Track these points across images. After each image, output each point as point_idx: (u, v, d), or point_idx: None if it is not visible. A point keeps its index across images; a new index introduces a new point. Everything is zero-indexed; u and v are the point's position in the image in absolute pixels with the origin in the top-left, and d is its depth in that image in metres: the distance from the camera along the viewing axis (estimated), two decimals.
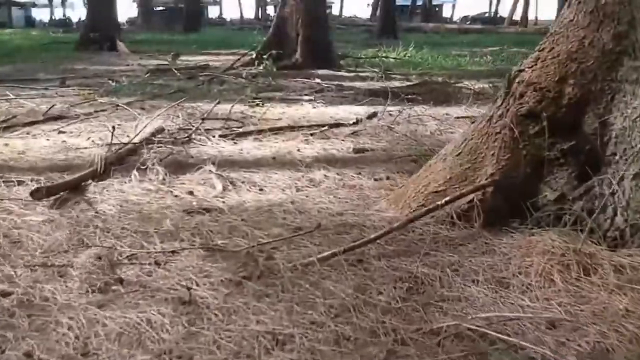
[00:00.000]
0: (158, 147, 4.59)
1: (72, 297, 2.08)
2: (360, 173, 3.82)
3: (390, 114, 6.05)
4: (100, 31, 17.46)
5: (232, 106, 6.34)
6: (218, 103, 5.80)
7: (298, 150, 4.57)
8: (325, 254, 2.24)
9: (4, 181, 3.59)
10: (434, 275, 2.13)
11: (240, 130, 5.41)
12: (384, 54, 15.08)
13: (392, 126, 5.38)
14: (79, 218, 2.95)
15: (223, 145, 4.78)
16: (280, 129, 5.32)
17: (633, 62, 2.35)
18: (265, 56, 11.39)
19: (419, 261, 2.18)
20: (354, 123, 5.64)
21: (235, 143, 4.88)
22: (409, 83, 9.63)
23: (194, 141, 4.87)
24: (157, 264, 2.37)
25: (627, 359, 1.68)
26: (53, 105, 6.62)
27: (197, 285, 2.15)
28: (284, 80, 9.94)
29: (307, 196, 3.32)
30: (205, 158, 4.36)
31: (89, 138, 5.11)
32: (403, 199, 2.76)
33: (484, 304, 1.99)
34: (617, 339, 1.76)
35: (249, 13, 58.02)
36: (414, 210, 2.63)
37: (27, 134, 5.34)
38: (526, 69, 2.51)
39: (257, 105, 6.91)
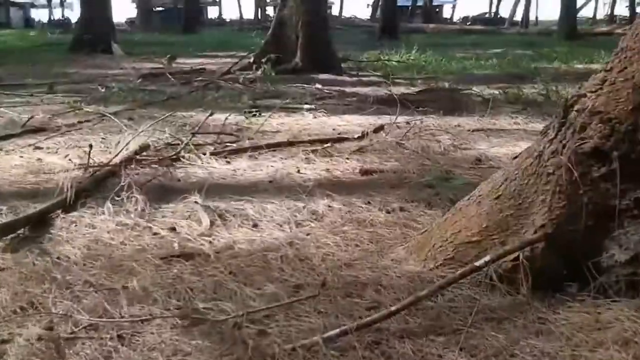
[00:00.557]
0: (141, 167, 4.10)
1: None
2: (369, 202, 3.32)
3: (398, 126, 5.55)
4: (94, 33, 16.95)
5: (227, 118, 5.84)
6: (211, 115, 5.31)
7: (298, 171, 4.08)
8: (333, 332, 1.74)
9: None
10: None
11: (235, 146, 4.92)
12: (386, 57, 14.59)
13: (402, 142, 4.88)
14: (35, 267, 2.45)
15: (215, 165, 4.28)
16: (279, 145, 4.82)
17: None
18: (263, 60, 10.89)
19: (455, 347, 1.68)
20: (359, 137, 5.15)
21: (228, 162, 4.38)
22: (414, 89, 9.14)
23: (183, 159, 4.37)
24: (120, 338, 1.87)
25: None
26: (32, 117, 6.12)
27: None
28: (283, 85, 9.46)
29: (308, 235, 2.82)
30: (194, 181, 3.87)
31: (66, 156, 4.61)
32: (427, 247, 2.26)
33: None
34: None
35: (249, 14, 57.58)
36: (440, 265, 2.14)
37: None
38: (588, 94, 2.00)
39: (254, 115, 6.41)
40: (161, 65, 13.56)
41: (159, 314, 1.99)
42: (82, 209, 3.25)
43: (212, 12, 58.74)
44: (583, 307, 1.87)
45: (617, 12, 50.31)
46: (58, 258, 2.57)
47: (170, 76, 10.11)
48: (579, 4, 29.60)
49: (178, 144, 4.79)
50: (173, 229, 2.94)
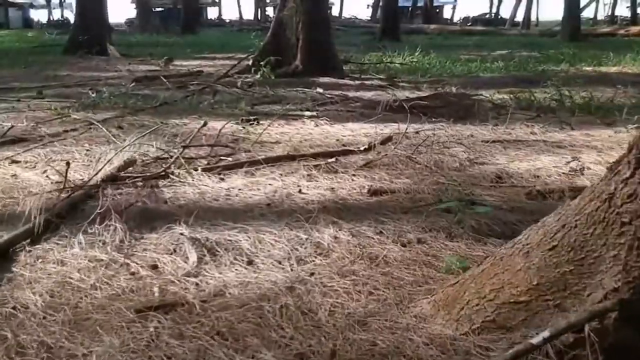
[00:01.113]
0: (125, 187, 3.69)
1: None
2: (381, 232, 2.90)
3: (407, 136, 5.13)
4: (89, 34, 16.52)
5: (223, 127, 5.42)
6: (204, 125, 4.88)
7: (300, 191, 3.66)
8: None
9: None
10: None
11: (230, 160, 4.50)
12: (389, 59, 14.18)
13: (413, 155, 4.46)
14: None
15: (207, 182, 3.86)
16: (278, 159, 4.40)
17: None
18: (262, 62, 10.47)
19: None
20: (365, 149, 4.73)
21: (222, 179, 3.96)
22: (420, 93, 8.73)
23: (172, 176, 3.95)
24: None
25: None
26: (12, 127, 5.70)
27: None
28: (283, 90, 9.05)
29: (312, 275, 2.40)
30: (183, 203, 3.45)
31: (44, 171, 4.19)
32: (459, 304, 1.84)
33: None
34: None
35: (249, 14, 57.29)
36: (478, 329, 1.73)
37: None
38: None
39: (252, 124, 5.99)
40: (157, 68, 13.19)
41: None
42: (52, 240, 2.83)
43: (212, 13, 58.51)
44: None
45: (617, 12, 50.30)
46: (14, 308, 2.15)
47: (165, 80, 9.69)
48: (581, 5, 29.24)
49: (168, 157, 4.38)
50: (155, 267, 2.52)
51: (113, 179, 3.76)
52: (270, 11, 48.57)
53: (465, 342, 1.74)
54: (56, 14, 52.75)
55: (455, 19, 55.26)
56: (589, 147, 4.98)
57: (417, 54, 14.93)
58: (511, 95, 8.21)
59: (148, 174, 3.94)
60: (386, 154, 4.51)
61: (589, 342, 1.51)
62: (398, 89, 9.20)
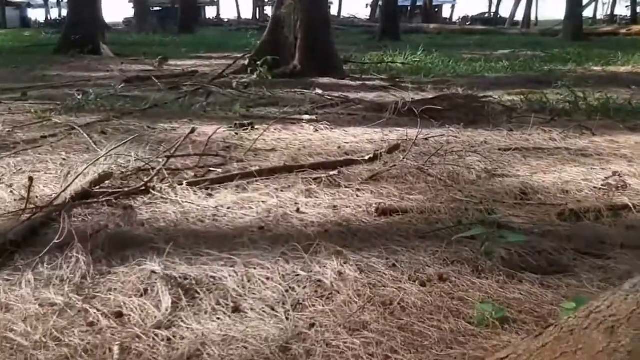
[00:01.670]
0: (98, 205, 3.22)
1: None
2: (394, 265, 2.43)
3: (416, 144, 4.66)
4: (82, 33, 16.05)
5: (214, 133, 4.95)
6: (192, 132, 4.41)
7: (297, 209, 3.19)
8: None
9: None
10: None
11: (219, 171, 4.03)
12: (390, 59, 13.72)
13: (424, 166, 3.99)
14: None
15: (192, 199, 3.39)
16: (274, 171, 3.93)
17: None
18: (259, 62, 9.99)
19: None
20: (371, 159, 4.26)
21: (209, 195, 3.49)
22: (424, 94, 8.29)
23: (153, 192, 3.48)
24: None
25: None
26: None
27: None
28: (281, 91, 8.59)
29: (312, 328, 1.94)
30: (162, 226, 2.98)
31: (10, 185, 3.72)
32: None
33: None
34: None
35: (247, 13, 56.81)
36: None
37: None
38: None
39: (246, 129, 5.52)
40: (151, 68, 12.72)
41: None
42: (1, 275, 2.36)
43: (210, 12, 58.08)
44: None
45: (616, 12, 50.23)
46: None
47: (156, 80, 9.21)
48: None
49: (150, 170, 3.91)
50: (119, 315, 2.05)
51: (84, 196, 3.30)
52: (269, 10, 48.04)
53: None
54: (54, 14, 52.39)
55: (454, 19, 54.94)
56: (617, 155, 4.52)
57: (419, 53, 14.47)
58: (522, 97, 7.76)
59: (126, 190, 3.47)
60: (394, 165, 4.04)
61: None
62: (401, 90, 8.74)
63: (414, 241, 2.72)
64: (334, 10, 50.78)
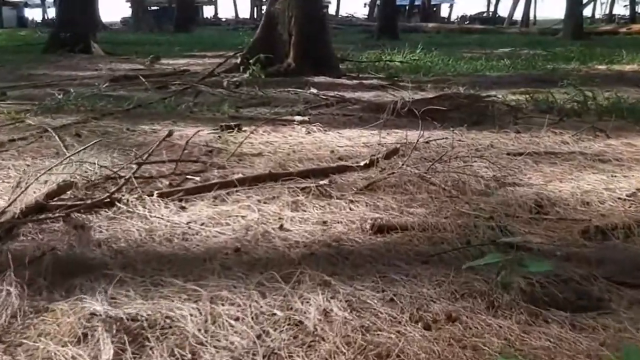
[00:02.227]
0: (52, 221, 2.80)
1: None
2: (392, 300, 2.01)
3: (417, 148, 4.25)
4: (72, 31, 15.63)
5: (194, 135, 4.52)
6: (169, 135, 3.98)
7: (281, 226, 2.77)
8: None
9: None
10: None
11: (197, 180, 3.60)
12: (388, 57, 13.29)
13: (426, 174, 3.57)
14: None
15: (162, 213, 2.97)
16: (257, 179, 3.51)
17: None
18: (251, 61, 9.56)
19: None
20: (366, 165, 3.85)
21: (182, 208, 3.07)
22: (424, 94, 7.87)
23: (119, 204, 3.06)
24: None
25: None
26: None
27: None
28: (273, 90, 8.17)
29: None
30: (122, 247, 2.56)
31: None
32: None
33: None
34: None
35: (245, 13, 56.46)
36: None
37: None
38: None
39: (232, 130, 5.10)
40: (142, 67, 12.31)
41: None
42: None
43: (208, 12, 57.72)
44: None
45: (614, 11, 50.21)
46: None
47: (143, 79, 8.78)
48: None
49: (120, 177, 3.48)
50: None
51: (38, 210, 2.88)
52: None
53: None
54: (51, 13, 52.01)
55: (452, 18, 54.66)
56: (639, 161, 4.10)
57: (418, 51, 14.05)
58: (527, 96, 7.35)
59: (88, 202, 3.05)
60: (392, 172, 3.62)
61: None
62: (400, 90, 8.33)
63: (416, 267, 2.30)
64: (332, 10, 50.45)
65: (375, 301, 1.99)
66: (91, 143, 3.83)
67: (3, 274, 2.09)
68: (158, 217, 2.91)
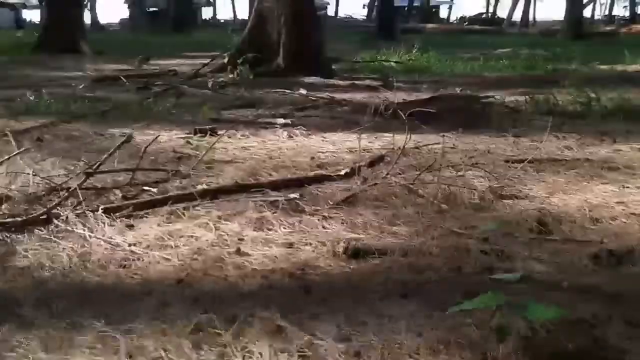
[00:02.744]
0: None
1: None
2: (357, 355, 1.59)
3: (405, 154, 3.84)
4: (60, 31, 15.32)
5: (155, 138, 4.08)
6: (128, 141, 3.58)
7: (238, 250, 2.35)
8: None
9: None
10: None
11: (154, 192, 3.19)
12: (383, 57, 12.89)
13: (412, 185, 3.15)
14: None
15: (105, 232, 2.55)
16: (222, 191, 3.09)
17: None
18: (239, 60, 9.17)
19: None
20: (347, 174, 3.43)
21: (129, 227, 2.65)
22: (419, 95, 7.46)
23: (58, 222, 2.65)
24: None
25: None
26: None
27: None
28: (261, 91, 7.79)
29: None
30: (44, 277, 2.14)
31: None
32: None
33: None
34: None
35: (244, 14, 56.10)
36: None
37: None
38: None
39: (205, 135, 4.68)
40: (130, 67, 11.91)
41: None
42: None
43: (206, 13, 57.35)
44: None
45: (613, 12, 50.11)
46: None
47: (124, 80, 8.39)
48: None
49: (65, 189, 3.07)
50: None
51: None
52: None
53: None
54: None
55: (452, 19, 54.37)
56: None
57: (414, 51, 13.64)
58: (527, 97, 6.93)
59: (19, 220, 2.63)
60: (375, 183, 3.20)
61: None
62: (393, 90, 7.91)
63: (393, 304, 1.88)
64: (331, 11, 50.05)
65: (337, 356, 1.57)
66: (17, 152, 3.39)
67: None
68: (98, 238, 2.49)
